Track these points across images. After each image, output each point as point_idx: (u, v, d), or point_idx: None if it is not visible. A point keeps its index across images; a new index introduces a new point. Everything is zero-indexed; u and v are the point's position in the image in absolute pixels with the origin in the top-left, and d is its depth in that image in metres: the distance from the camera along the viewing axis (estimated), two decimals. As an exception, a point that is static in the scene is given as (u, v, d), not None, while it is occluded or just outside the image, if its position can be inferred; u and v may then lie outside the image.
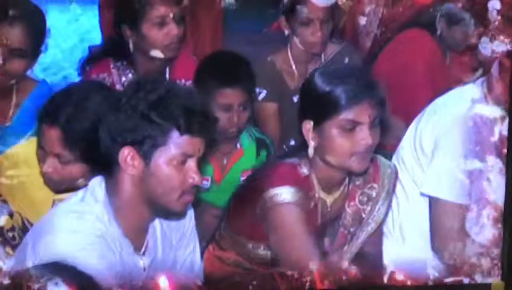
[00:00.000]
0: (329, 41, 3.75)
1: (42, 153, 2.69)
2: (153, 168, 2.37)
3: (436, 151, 2.88)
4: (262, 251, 2.83)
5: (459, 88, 3.10)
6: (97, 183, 2.48)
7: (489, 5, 2.82)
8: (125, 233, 2.45)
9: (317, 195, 2.79)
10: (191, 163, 2.39)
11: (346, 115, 2.63)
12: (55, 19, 7.87)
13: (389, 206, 2.93)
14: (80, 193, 2.51)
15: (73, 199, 2.51)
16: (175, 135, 2.35)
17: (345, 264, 2.78)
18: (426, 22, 3.84)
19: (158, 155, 2.36)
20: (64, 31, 7.32)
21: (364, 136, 2.64)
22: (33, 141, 2.79)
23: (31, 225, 2.75)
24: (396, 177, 2.93)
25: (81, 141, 2.57)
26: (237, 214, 2.86)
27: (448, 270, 2.76)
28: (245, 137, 3.45)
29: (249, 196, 2.82)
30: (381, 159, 2.93)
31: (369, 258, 2.92)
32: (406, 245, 3.04)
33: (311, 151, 2.71)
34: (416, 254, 2.92)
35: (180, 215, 2.58)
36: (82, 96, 2.65)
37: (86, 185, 2.57)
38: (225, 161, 3.47)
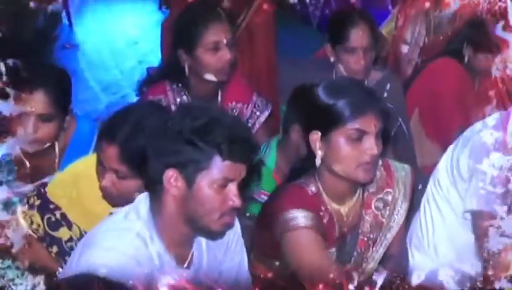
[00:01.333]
0: (373, 69, 3.82)
1: (101, 168, 2.74)
2: (195, 190, 2.41)
3: (475, 176, 2.86)
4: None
5: (493, 116, 3.09)
6: (142, 201, 2.53)
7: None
8: (167, 248, 2.48)
9: (329, 208, 2.81)
10: (232, 187, 2.42)
11: (353, 125, 2.66)
12: (115, 41, 8.19)
13: (408, 208, 2.94)
14: (125, 209, 2.56)
15: (118, 215, 2.56)
16: (217, 160, 2.38)
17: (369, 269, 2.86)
18: (455, 49, 3.91)
19: (200, 178, 2.40)
20: (123, 53, 7.53)
21: (371, 146, 2.67)
22: (93, 156, 2.84)
23: None
24: (413, 179, 2.95)
25: (137, 158, 2.58)
26: (260, 238, 2.90)
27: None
28: None
29: (266, 220, 2.85)
30: (394, 164, 2.96)
31: (394, 260, 2.96)
32: (439, 264, 2.96)
33: (318, 161, 2.74)
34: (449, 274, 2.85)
35: (219, 235, 2.60)
36: (140, 116, 2.71)
37: None
38: None
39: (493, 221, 2.74)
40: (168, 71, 3.72)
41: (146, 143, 2.49)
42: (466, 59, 3.87)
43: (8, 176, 3.14)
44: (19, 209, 2.79)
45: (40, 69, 3.19)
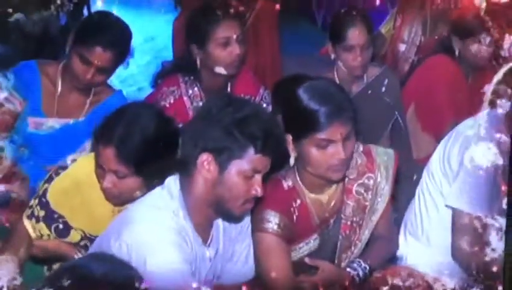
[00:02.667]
0: (371, 65, 3.91)
1: (101, 171, 2.79)
2: (225, 176, 2.53)
3: (461, 168, 2.92)
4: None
5: (486, 111, 3.09)
6: (172, 182, 2.62)
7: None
8: (195, 227, 2.60)
9: (305, 199, 2.91)
10: (258, 177, 2.56)
11: (320, 135, 2.74)
12: (133, 36, 8.24)
13: (391, 191, 3.00)
14: (156, 190, 2.65)
15: (149, 196, 2.65)
16: (251, 152, 2.51)
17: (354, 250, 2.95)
18: (446, 46, 4.00)
19: (232, 166, 2.52)
20: (140, 48, 7.64)
21: (337, 152, 2.75)
22: (91, 160, 2.85)
23: (95, 237, 2.87)
24: (396, 162, 3.02)
25: (135, 156, 2.69)
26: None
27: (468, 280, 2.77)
28: None
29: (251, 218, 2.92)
30: (376, 149, 3.05)
31: (384, 240, 3.04)
32: (431, 252, 3.09)
33: (292, 161, 2.84)
34: (439, 260, 2.95)
35: (239, 219, 2.75)
36: (132, 116, 2.76)
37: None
38: None
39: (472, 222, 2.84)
40: (181, 65, 3.84)
41: (144, 143, 2.64)
42: (457, 52, 3.95)
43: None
44: (27, 222, 2.93)
45: (113, 32, 3.49)
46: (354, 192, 2.98)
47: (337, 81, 3.79)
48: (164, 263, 2.44)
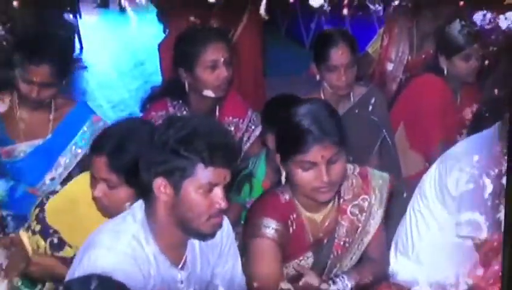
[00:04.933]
0: (357, 84, 3.89)
1: (93, 180, 2.83)
2: (183, 196, 2.49)
3: (461, 202, 2.97)
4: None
5: (478, 135, 3.15)
6: (138, 206, 2.62)
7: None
8: (162, 250, 2.58)
9: (302, 216, 2.92)
10: (217, 190, 2.51)
11: (303, 157, 2.75)
12: (123, 62, 8.39)
13: (384, 213, 3.00)
14: (123, 213, 2.66)
15: (116, 219, 2.66)
16: (201, 166, 2.47)
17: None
18: (434, 66, 4.01)
19: (187, 184, 2.48)
20: (131, 73, 7.72)
21: (320, 175, 2.76)
22: (88, 178, 2.89)
23: None
24: (390, 186, 3.03)
25: (125, 167, 2.72)
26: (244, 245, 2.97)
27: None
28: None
29: (244, 227, 2.97)
30: (372, 172, 3.05)
31: (375, 263, 3.03)
32: (421, 270, 3.11)
33: (283, 179, 2.87)
34: (430, 279, 2.92)
35: (210, 236, 2.68)
36: (126, 129, 2.82)
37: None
38: None
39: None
40: (169, 88, 3.84)
41: (136, 155, 2.60)
42: (445, 71, 3.95)
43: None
44: (23, 235, 2.96)
45: (45, 44, 3.49)
46: (348, 213, 2.98)
47: None
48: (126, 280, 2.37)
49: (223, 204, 2.53)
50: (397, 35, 4.55)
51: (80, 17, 8.62)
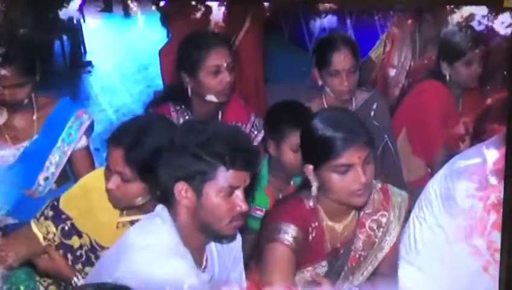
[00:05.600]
0: (359, 89, 3.89)
1: (108, 172, 2.89)
2: (204, 200, 2.54)
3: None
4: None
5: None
6: (161, 209, 2.65)
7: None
8: (191, 252, 2.61)
9: (323, 224, 2.93)
10: (238, 193, 2.56)
11: (339, 161, 2.77)
12: (126, 66, 8.39)
13: (401, 232, 2.95)
14: (146, 217, 2.70)
15: (140, 223, 2.69)
16: (222, 170, 2.51)
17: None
18: (436, 72, 4.02)
19: (208, 188, 2.53)
20: (133, 77, 7.72)
21: (358, 176, 2.77)
22: (102, 171, 2.97)
23: (98, 245, 3.01)
24: (408, 204, 3.01)
25: (141, 160, 2.76)
26: (260, 248, 2.96)
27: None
28: (297, 176, 3.47)
29: (263, 230, 2.97)
30: (392, 189, 3.05)
31: (385, 278, 3.00)
32: (425, 279, 3.02)
33: (314, 190, 2.87)
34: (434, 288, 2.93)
35: (230, 238, 2.76)
36: (144, 123, 2.87)
37: (143, 204, 2.86)
38: (280, 196, 3.55)
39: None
40: (172, 93, 3.84)
41: (153, 149, 2.66)
42: (448, 77, 3.98)
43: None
44: (34, 225, 3.04)
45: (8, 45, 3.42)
46: (367, 227, 3.00)
47: (325, 106, 3.83)
48: (173, 271, 2.49)
49: (244, 207, 2.57)
50: (400, 41, 4.56)
51: (84, 21, 8.63)
